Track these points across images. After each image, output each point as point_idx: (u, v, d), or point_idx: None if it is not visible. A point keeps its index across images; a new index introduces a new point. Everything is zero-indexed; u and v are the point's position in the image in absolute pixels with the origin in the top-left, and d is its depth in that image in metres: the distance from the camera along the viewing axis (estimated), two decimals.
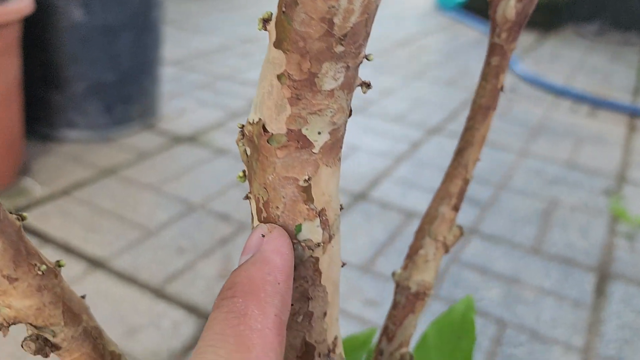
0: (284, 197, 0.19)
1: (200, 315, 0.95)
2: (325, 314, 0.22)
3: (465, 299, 0.33)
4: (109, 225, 1.17)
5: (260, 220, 0.20)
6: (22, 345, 0.19)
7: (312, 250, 0.20)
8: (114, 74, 1.51)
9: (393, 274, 0.29)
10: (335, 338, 0.23)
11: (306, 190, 0.19)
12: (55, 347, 0.19)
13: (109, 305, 0.95)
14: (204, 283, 1.03)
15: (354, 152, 1.59)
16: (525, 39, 3.08)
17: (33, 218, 1.18)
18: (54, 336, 0.19)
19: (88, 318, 0.21)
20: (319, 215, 0.20)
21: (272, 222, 0.20)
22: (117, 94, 1.55)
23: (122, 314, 0.94)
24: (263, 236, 0.19)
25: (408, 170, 1.52)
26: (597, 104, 2.11)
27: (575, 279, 1.13)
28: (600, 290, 1.10)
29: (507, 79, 2.36)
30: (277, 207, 0.19)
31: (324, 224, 0.20)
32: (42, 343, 0.19)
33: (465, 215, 1.32)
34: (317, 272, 0.21)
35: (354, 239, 1.20)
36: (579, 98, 2.16)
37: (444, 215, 0.29)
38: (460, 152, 0.30)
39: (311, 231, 0.20)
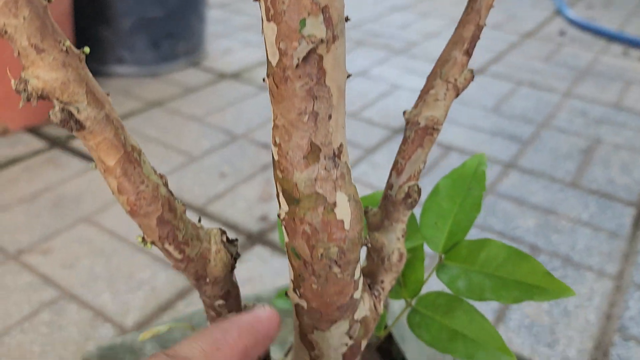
0: None
1: (239, 231, 0.99)
2: (330, 116, 0.23)
3: (478, 155, 0.34)
4: (155, 151, 1.21)
5: (268, 19, 0.21)
6: (49, 115, 0.20)
7: (316, 46, 0.21)
8: (161, 10, 1.53)
9: (404, 113, 0.30)
10: (341, 145, 0.24)
11: None
12: (79, 125, 0.20)
13: None
14: (244, 204, 1.06)
15: (395, 91, 1.58)
16: None
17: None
18: (78, 112, 0.20)
19: (110, 108, 0.22)
20: (323, 12, 0.21)
21: (278, 20, 0.21)
22: (164, 30, 1.57)
23: None
24: None
25: (450, 109, 1.50)
26: None
27: (614, 212, 1.10)
28: (639, 223, 1.08)
29: (557, 24, 2.27)
30: (283, 2, 0.20)
31: (328, 22, 0.21)
32: (67, 115, 0.20)
33: (505, 150, 1.30)
34: (322, 70, 0.22)
35: (384, 172, 1.21)
36: (631, 43, 2.06)
37: (455, 59, 0.29)
38: (469, 4, 0.29)
39: (315, 27, 0.21)
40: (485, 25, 0.30)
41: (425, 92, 0.29)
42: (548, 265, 0.95)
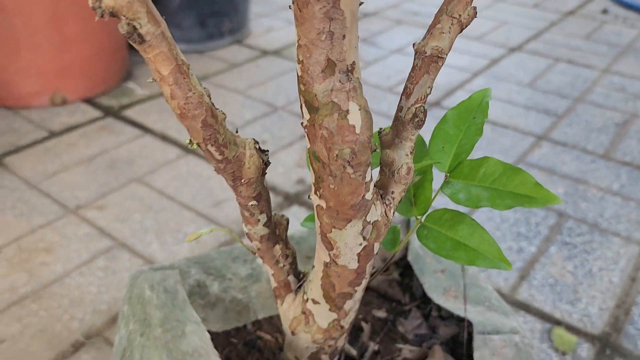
0: None
1: (278, 193, 1.04)
2: (344, 36, 0.27)
3: (483, 89, 0.37)
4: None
5: None
6: (118, 28, 0.25)
7: None
8: None
9: (413, 45, 0.34)
10: (353, 62, 0.28)
11: None
12: (141, 38, 0.25)
13: (199, 182, 1.06)
14: (282, 169, 1.11)
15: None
16: None
17: (135, 113, 1.31)
18: (140, 27, 0.25)
19: (165, 28, 0.27)
20: None
21: None
22: (210, 9, 1.64)
23: (210, 190, 1.04)
24: None
25: (484, 83, 1.51)
26: None
27: None
28: None
29: (600, 2, 2.22)
30: None
31: None
32: (132, 29, 0.25)
33: (539, 123, 1.31)
34: None
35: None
36: None
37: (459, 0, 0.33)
38: None
39: None
40: None
41: (432, 26, 0.33)
42: (575, 231, 0.97)
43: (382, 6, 2.11)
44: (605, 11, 2.12)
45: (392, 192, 0.34)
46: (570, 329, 0.78)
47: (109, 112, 1.31)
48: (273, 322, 0.51)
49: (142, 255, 0.88)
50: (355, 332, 0.51)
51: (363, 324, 0.51)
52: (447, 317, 0.52)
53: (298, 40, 0.28)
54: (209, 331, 0.44)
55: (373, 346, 0.49)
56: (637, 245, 0.94)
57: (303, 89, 0.29)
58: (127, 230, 0.93)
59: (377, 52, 1.70)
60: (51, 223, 0.95)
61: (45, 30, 1.25)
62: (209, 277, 0.51)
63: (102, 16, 0.25)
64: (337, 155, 0.29)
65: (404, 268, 0.57)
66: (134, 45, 0.26)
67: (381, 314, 0.53)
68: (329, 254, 0.35)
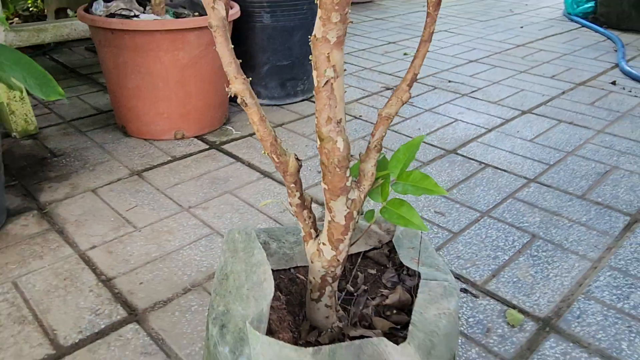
0: None
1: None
2: (336, 106, 0.52)
3: (420, 136, 0.61)
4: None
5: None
6: (238, 101, 0.52)
7: (329, 79, 0.51)
8: (287, 60, 1.91)
9: (379, 111, 0.58)
10: (340, 119, 0.53)
11: None
12: (246, 105, 0.52)
13: (271, 196, 1.33)
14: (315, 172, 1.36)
15: (454, 123, 1.81)
16: None
17: (230, 147, 1.61)
18: (246, 99, 0.52)
19: (256, 101, 0.54)
20: (333, 68, 0.51)
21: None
22: (289, 75, 1.94)
23: (280, 201, 1.31)
24: None
25: (494, 137, 1.70)
26: None
27: (610, 219, 1.25)
28: (629, 228, 1.23)
29: (612, 75, 2.34)
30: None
31: (334, 69, 0.51)
32: (242, 100, 0.52)
33: (531, 170, 1.48)
34: (332, 88, 0.51)
35: (436, 179, 1.45)
36: None
37: (403, 89, 0.57)
38: (412, 62, 0.57)
39: (329, 73, 0.51)
40: (418, 73, 0.58)
41: (388, 101, 0.58)
42: (542, 247, 1.15)
43: (423, 75, 2.35)
44: (614, 82, 2.25)
45: (363, 185, 0.59)
46: (522, 311, 0.97)
47: (212, 145, 1.63)
48: (305, 269, 0.76)
49: None
50: (354, 280, 0.75)
51: (359, 275, 0.75)
52: (412, 274, 0.74)
53: (316, 107, 0.54)
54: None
55: (364, 287, 0.73)
56: (590, 262, 1.11)
57: (317, 130, 0.54)
58: (221, 223, 1.21)
59: (414, 110, 1.93)
60: (172, 216, 1.25)
61: (174, 89, 1.59)
62: (270, 240, 0.77)
63: (229, 94, 0.52)
64: (331, 161, 0.54)
65: (391, 247, 0.81)
66: (242, 106, 0.53)
67: (372, 271, 0.76)
68: (330, 216, 0.60)
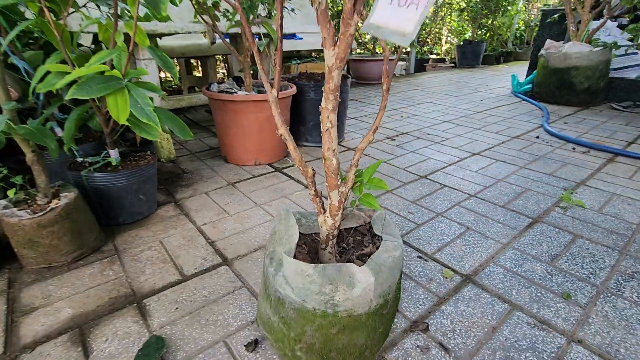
0: None
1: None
2: (331, 141, 0.68)
3: (379, 161, 0.75)
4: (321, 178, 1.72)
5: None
6: (289, 152, 0.69)
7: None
8: None
9: (352, 166, 0.73)
10: (335, 149, 0.69)
11: None
12: (289, 157, 0.68)
13: (306, 198, 1.49)
14: None
15: (428, 159, 1.91)
16: (566, 110, 2.93)
17: (288, 171, 1.78)
18: (289, 156, 0.68)
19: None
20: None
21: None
22: None
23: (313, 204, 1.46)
24: None
25: (452, 169, 1.78)
26: (592, 147, 2.06)
27: (519, 220, 1.32)
28: (530, 226, 1.29)
29: (538, 132, 2.37)
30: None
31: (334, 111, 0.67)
32: (284, 140, 0.68)
33: (472, 188, 1.56)
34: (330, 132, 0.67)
35: (410, 193, 1.56)
36: (581, 144, 2.11)
37: (370, 135, 0.72)
38: (375, 120, 0.72)
39: (327, 122, 0.67)
40: (378, 126, 0.72)
41: (362, 141, 0.73)
42: (471, 235, 1.23)
43: (411, 130, 2.46)
44: (537, 137, 2.28)
45: (347, 184, 0.74)
46: (453, 270, 1.07)
47: (276, 169, 1.81)
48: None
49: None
50: (347, 241, 0.89)
51: (350, 239, 0.89)
52: (380, 239, 0.87)
53: (322, 142, 0.69)
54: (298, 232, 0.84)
55: (352, 245, 0.87)
56: (501, 244, 1.17)
57: (323, 154, 0.70)
58: (294, 206, 1.37)
59: (402, 152, 2.04)
60: (250, 208, 1.42)
61: (256, 134, 1.78)
62: (302, 218, 0.92)
63: (280, 136, 0.69)
64: (329, 170, 0.70)
65: (370, 225, 0.94)
66: (284, 140, 0.69)
67: (358, 237, 0.90)
68: (329, 201, 0.75)
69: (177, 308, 0.93)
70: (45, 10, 0.96)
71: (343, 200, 0.74)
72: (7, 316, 0.89)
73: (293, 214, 0.89)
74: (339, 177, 0.71)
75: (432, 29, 6.19)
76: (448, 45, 6.46)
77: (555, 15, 3.35)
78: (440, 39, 6.55)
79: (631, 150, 2.01)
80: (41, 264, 1.05)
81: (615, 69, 3.18)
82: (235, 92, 1.78)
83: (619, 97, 3.12)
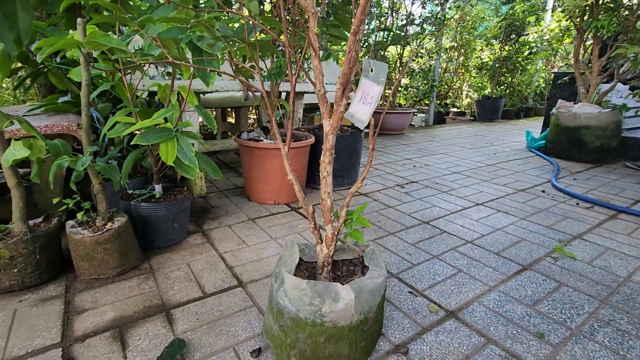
0: None
1: None
2: (327, 174, 0.89)
3: (364, 204, 0.94)
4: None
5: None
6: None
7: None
8: (339, 166, 2.30)
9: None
10: (327, 173, 0.90)
11: None
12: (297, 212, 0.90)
13: None
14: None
15: (433, 207, 2.06)
16: (578, 167, 3.02)
17: (302, 211, 1.98)
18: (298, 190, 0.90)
19: (304, 197, 0.91)
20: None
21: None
22: (339, 174, 2.32)
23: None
24: None
25: (453, 217, 1.92)
26: (596, 203, 2.14)
27: (509, 267, 1.42)
28: (519, 272, 1.39)
29: (544, 186, 2.47)
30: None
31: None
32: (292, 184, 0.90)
33: (470, 236, 1.69)
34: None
35: (411, 236, 1.71)
36: (585, 200, 2.19)
37: (358, 183, 0.92)
38: (364, 172, 0.93)
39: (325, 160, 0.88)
40: (365, 177, 0.93)
41: (352, 188, 0.93)
42: (462, 277, 1.36)
43: (421, 179, 2.64)
44: (543, 191, 2.38)
45: (339, 221, 0.93)
46: (439, 305, 1.19)
47: (292, 209, 2.01)
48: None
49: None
50: (341, 270, 1.06)
51: (344, 268, 1.06)
52: (367, 268, 1.04)
53: (320, 190, 0.90)
54: (300, 259, 1.03)
55: (344, 273, 1.04)
56: (488, 287, 1.29)
57: (321, 196, 0.91)
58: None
59: (410, 199, 2.21)
60: (266, 241, 1.60)
61: (277, 177, 2.01)
62: (306, 248, 1.10)
63: (289, 180, 0.91)
64: (325, 208, 0.90)
65: (362, 257, 1.11)
66: (291, 184, 0.91)
67: (351, 267, 1.07)
68: (324, 234, 0.94)
69: (197, 319, 1.11)
70: (124, 77, 1.28)
71: (336, 233, 0.93)
72: (64, 315, 1.11)
73: (297, 244, 1.08)
74: (332, 214, 0.91)
75: (453, 84, 6.54)
76: (468, 99, 6.74)
77: (566, 78, 3.55)
78: (461, 93, 6.86)
79: (637, 208, 2.07)
80: (92, 275, 1.28)
81: (629, 129, 3.28)
82: (262, 140, 2.06)
83: (633, 156, 3.19)
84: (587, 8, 2.99)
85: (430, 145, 3.91)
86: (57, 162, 1.06)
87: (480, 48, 6.03)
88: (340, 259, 1.08)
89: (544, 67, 6.51)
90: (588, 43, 3.26)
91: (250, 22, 0.89)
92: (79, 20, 1.12)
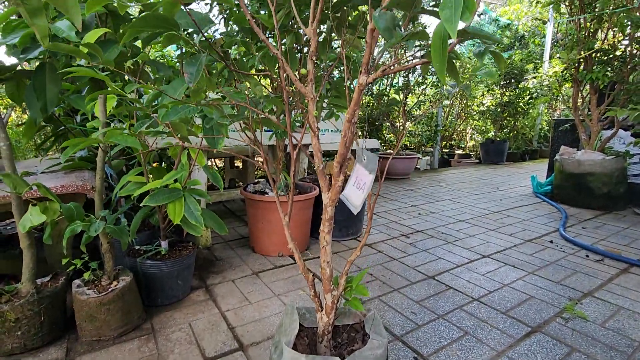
0: None
1: None
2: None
3: (363, 270, 0.95)
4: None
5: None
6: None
7: None
8: (343, 217, 2.32)
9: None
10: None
11: None
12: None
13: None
14: None
15: (438, 260, 2.04)
16: (587, 214, 2.99)
17: (307, 264, 1.99)
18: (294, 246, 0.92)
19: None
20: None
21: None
22: (344, 224, 2.34)
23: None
24: None
25: (460, 271, 1.90)
26: (606, 255, 2.10)
27: (518, 328, 1.38)
28: (528, 335, 1.35)
29: (552, 236, 2.44)
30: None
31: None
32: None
33: (477, 292, 1.65)
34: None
35: (417, 292, 1.68)
36: (595, 251, 2.15)
37: (357, 251, 0.94)
38: (361, 244, 0.95)
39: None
40: (365, 241, 0.95)
41: (350, 257, 0.95)
42: (468, 340, 1.32)
43: (426, 228, 2.63)
44: (551, 241, 2.35)
45: (339, 289, 0.94)
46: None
47: (296, 261, 2.02)
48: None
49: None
50: (342, 336, 1.05)
51: (345, 334, 1.05)
52: (368, 336, 1.02)
53: (320, 259, 0.92)
54: (301, 324, 1.03)
55: (345, 340, 1.02)
56: (496, 352, 1.26)
57: (320, 264, 0.92)
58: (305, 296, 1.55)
59: (415, 250, 2.19)
60: (269, 298, 1.60)
61: (281, 230, 2.04)
62: (307, 312, 1.10)
63: (289, 248, 0.93)
64: (324, 277, 0.91)
65: (363, 323, 1.10)
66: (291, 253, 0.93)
67: (353, 334, 1.05)
68: (324, 302, 0.94)
69: None
70: (140, 139, 1.36)
71: (335, 301, 0.93)
72: None
73: (298, 309, 1.08)
74: (331, 282, 0.92)
75: (457, 126, 6.67)
76: (473, 142, 6.84)
77: (567, 125, 3.62)
78: (465, 135, 6.98)
79: None
80: (93, 337, 1.28)
81: (635, 175, 3.27)
82: (267, 193, 2.11)
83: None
84: (582, 60, 3.12)
85: (436, 190, 3.93)
86: (71, 228, 1.11)
87: (482, 94, 6.22)
88: (342, 324, 1.07)
89: (546, 111, 6.64)
90: (586, 91, 3.36)
91: (257, 97, 0.97)
92: (100, 98, 1.22)
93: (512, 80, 5.72)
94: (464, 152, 6.47)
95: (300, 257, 0.94)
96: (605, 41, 2.96)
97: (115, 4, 1.26)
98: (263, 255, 2.07)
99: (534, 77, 5.70)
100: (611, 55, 2.94)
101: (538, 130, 6.60)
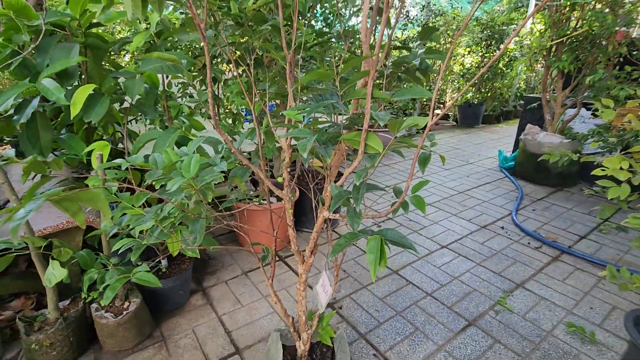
0: None
1: None
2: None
3: (331, 312, 1.24)
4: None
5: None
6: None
7: None
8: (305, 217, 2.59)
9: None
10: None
11: None
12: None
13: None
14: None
15: (402, 252, 2.34)
16: (541, 192, 3.31)
17: (288, 260, 2.27)
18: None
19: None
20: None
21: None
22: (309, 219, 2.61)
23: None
24: None
25: (420, 264, 2.20)
26: (545, 242, 2.44)
27: (457, 322, 1.73)
28: (464, 329, 1.70)
29: (504, 221, 2.76)
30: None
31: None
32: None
33: (431, 287, 1.99)
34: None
35: (381, 289, 2.01)
36: (536, 238, 2.48)
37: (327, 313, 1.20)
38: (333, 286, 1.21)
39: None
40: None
41: (316, 319, 1.22)
42: (417, 335, 1.67)
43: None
44: (502, 227, 2.68)
45: (313, 326, 1.22)
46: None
47: (280, 258, 2.30)
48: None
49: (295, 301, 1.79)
50: (315, 352, 1.36)
51: (318, 351, 1.36)
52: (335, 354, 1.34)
53: (297, 308, 1.19)
54: (283, 344, 1.33)
55: (319, 356, 1.34)
56: (437, 346, 1.61)
57: (298, 308, 1.19)
58: (277, 306, 1.86)
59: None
60: (258, 300, 1.90)
61: (266, 230, 2.30)
62: (289, 332, 1.40)
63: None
64: (300, 313, 1.19)
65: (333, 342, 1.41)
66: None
67: (324, 349, 1.37)
68: (301, 339, 1.23)
69: None
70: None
71: (309, 337, 1.22)
72: None
73: (281, 332, 1.38)
74: (304, 317, 1.20)
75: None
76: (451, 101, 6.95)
77: (534, 104, 3.82)
78: (445, 95, 7.08)
79: (577, 247, 2.40)
80: (115, 348, 1.57)
81: (588, 154, 3.58)
82: (252, 201, 2.32)
83: (590, 178, 3.51)
84: (552, 48, 3.22)
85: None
86: (88, 276, 1.33)
87: (463, 54, 6.22)
88: (316, 341, 1.37)
89: (524, 69, 6.73)
90: (555, 73, 3.51)
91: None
92: (97, 153, 1.36)
93: (493, 42, 5.72)
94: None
95: (282, 308, 1.20)
96: (577, 29, 3.05)
97: (92, 39, 1.35)
98: (250, 252, 2.33)
99: (516, 39, 5.70)
100: (579, 44, 3.05)
101: (515, 90, 6.75)
